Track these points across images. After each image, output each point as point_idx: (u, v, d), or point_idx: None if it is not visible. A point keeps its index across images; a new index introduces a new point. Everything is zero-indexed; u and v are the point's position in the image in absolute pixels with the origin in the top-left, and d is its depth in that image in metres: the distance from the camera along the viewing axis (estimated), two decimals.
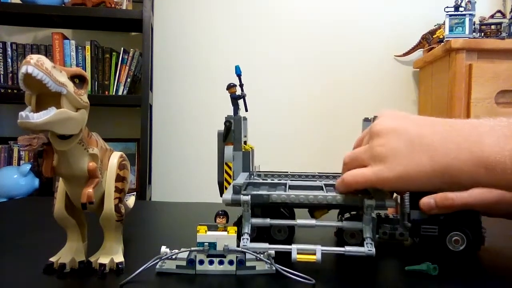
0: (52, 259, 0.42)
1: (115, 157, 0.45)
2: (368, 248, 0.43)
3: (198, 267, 0.42)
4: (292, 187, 0.50)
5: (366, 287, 0.41)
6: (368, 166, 0.43)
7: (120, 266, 0.42)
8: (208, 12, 2.14)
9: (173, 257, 0.42)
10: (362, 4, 2.15)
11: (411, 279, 0.42)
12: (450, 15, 1.78)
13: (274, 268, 0.41)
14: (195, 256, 0.42)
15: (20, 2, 1.85)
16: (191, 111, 2.14)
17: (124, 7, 1.91)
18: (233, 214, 0.53)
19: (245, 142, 0.56)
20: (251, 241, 0.44)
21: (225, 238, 0.42)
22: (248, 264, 0.42)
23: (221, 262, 0.42)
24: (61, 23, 1.97)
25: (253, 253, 0.41)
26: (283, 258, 0.42)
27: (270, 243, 0.44)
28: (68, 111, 0.34)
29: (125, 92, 1.91)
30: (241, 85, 0.54)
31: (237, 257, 0.42)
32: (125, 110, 2.10)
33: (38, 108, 0.33)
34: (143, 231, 0.61)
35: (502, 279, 0.43)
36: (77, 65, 1.89)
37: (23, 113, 0.32)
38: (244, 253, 0.42)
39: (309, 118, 2.14)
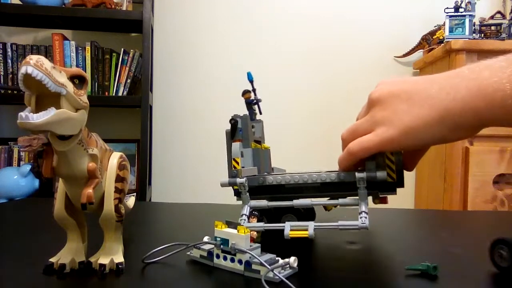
0: (52, 259, 0.42)
1: (115, 158, 0.45)
2: (361, 221, 0.43)
3: (215, 261, 0.44)
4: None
5: (366, 287, 0.41)
6: (371, 133, 0.43)
7: (120, 266, 0.42)
8: (208, 12, 2.14)
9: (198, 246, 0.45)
10: (362, 5, 2.15)
11: (411, 279, 0.42)
12: (450, 16, 1.78)
13: (277, 277, 0.39)
14: (213, 249, 0.44)
15: (20, 2, 1.86)
16: (191, 112, 2.14)
17: (124, 8, 1.91)
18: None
19: (259, 142, 0.56)
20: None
21: (234, 236, 0.42)
22: (254, 267, 0.41)
23: (232, 260, 0.42)
24: (61, 24, 1.97)
25: (256, 256, 0.40)
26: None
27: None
28: (67, 111, 0.34)
29: (125, 93, 1.91)
30: (253, 90, 0.54)
31: (249, 257, 0.41)
32: (125, 111, 2.10)
33: (38, 108, 0.33)
34: (143, 232, 0.61)
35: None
36: (77, 66, 1.90)
37: (22, 114, 0.32)
38: (251, 255, 0.41)
39: (308, 119, 2.14)
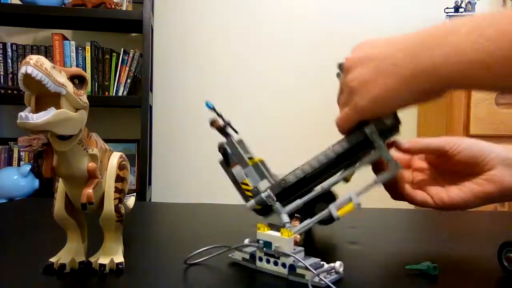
0: (52, 259, 0.42)
1: (114, 158, 0.45)
2: (393, 167, 0.45)
3: (258, 263, 0.43)
4: None
5: (367, 286, 0.41)
6: (347, 106, 0.45)
7: (120, 266, 0.42)
8: (208, 12, 2.14)
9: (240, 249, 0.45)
10: (362, 5, 2.15)
11: (411, 279, 0.42)
12: (450, 16, 1.78)
13: (323, 282, 0.38)
14: (256, 252, 0.43)
15: (20, 2, 1.86)
16: (191, 112, 2.14)
17: (124, 8, 1.91)
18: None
19: (250, 158, 0.56)
20: None
21: (278, 239, 0.41)
22: (298, 271, 0.40)
23: (276, 263, 0.42)
24: (61, 23, 1.97)
25: (301, 260, 0.39)
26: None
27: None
28: (67, 111, 0.34)
29: (125, 93, 1.91)
30: (219, 115, 0.54)
31: (293, 261, 0.40)
32: (125, 111, 2.10)
33: (38, 108, 0.33)
34: (143, 232, 0.61)
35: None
36: (77, 66, 1.90)
37: (22, 114, 0.32)
38: (296, 258, 0.40)
39: (308, 119, 2.14)
